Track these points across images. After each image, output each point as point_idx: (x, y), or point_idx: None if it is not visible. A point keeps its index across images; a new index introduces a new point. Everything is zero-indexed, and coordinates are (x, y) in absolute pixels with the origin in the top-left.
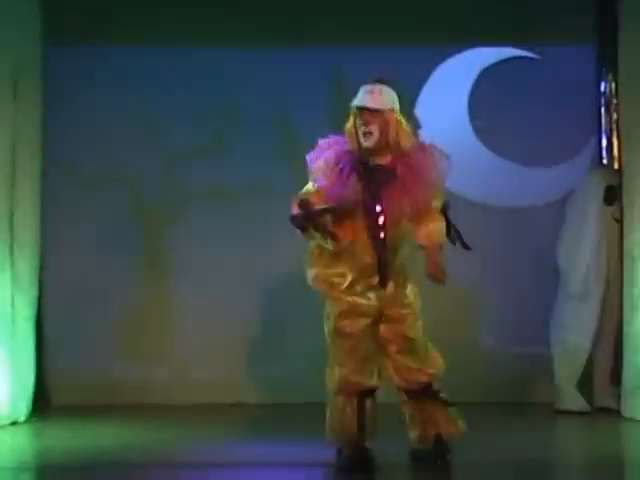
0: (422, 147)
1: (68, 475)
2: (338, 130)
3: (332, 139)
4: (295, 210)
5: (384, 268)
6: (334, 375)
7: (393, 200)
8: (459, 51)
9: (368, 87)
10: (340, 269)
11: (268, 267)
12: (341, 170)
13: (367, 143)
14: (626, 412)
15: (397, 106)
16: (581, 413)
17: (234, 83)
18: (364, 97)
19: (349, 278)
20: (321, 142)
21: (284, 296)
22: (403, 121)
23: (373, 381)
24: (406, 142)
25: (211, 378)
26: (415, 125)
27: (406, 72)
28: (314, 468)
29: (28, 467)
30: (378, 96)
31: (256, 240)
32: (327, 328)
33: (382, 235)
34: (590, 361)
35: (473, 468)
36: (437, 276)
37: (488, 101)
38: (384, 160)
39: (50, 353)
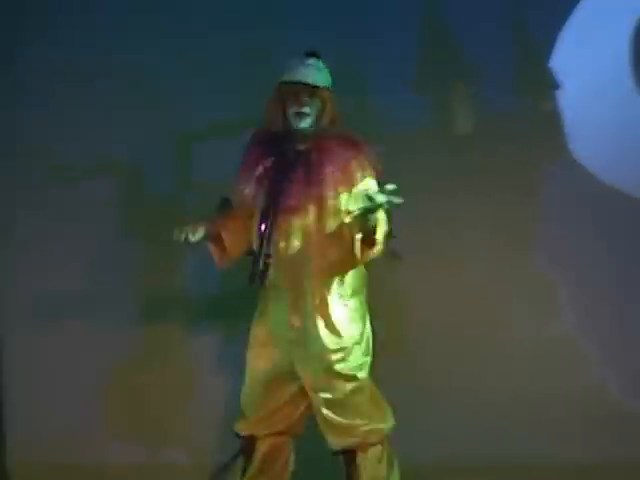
0: (348, 137)
1: None
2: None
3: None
4: None
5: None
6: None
7: (293, 190)
8: None
9: (300, 60)
10: None
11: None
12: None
13: (301, 125)
14: None
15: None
16: None
17: None
18: (298, 71)
19: None
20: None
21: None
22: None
23: None
24: (334, 127)
25: None
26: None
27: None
28: None
29: None
30: (315, 71)
31: None
32: None
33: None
34: None
35: None
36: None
37: None
38: (305, 145)
39: None
